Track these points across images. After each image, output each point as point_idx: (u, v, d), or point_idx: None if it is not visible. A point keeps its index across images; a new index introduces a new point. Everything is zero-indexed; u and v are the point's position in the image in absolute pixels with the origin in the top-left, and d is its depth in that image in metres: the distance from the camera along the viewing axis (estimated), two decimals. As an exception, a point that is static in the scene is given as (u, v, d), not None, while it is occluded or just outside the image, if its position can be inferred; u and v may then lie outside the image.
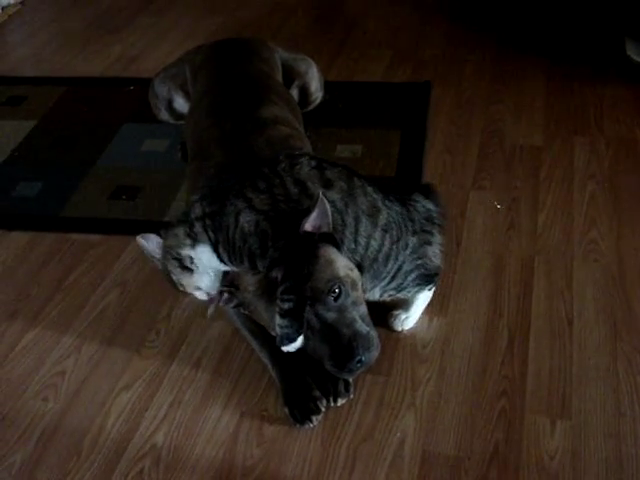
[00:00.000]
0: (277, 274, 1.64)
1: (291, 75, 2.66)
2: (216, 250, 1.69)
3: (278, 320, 1.65)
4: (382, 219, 1.73)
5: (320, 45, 3.35)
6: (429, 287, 1.90)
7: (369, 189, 1.75)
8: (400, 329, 1.98)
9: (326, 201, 1.62)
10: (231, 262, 1.71)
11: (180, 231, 1.71)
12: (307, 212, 1.61)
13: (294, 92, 2.67)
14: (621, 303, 2.00)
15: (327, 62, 3.18)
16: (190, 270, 1.72)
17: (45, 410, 1.88)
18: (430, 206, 1.88)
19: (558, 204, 2.34)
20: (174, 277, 1.74)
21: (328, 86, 2.82)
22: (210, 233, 1.68)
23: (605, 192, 2.37)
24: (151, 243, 1.76)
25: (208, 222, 1.68)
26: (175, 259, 1.72)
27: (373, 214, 1.72)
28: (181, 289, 1.76)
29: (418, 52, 3.25)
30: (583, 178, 2.44)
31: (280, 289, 1.63)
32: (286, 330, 1.65)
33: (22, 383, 1.95)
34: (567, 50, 3.11)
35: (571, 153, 2.55)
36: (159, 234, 1.76)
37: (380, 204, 1.74)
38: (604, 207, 2.31)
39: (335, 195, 1.69)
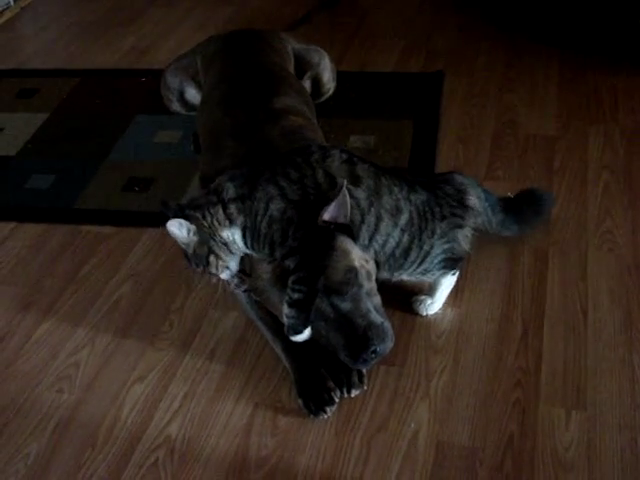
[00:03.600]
0: (291, 263, 1.64)
1: (303, 66, 2.66)
2: (244, 234, 1.71)
3: (285, 309, 1.66)
4: (403, 219, 1.74)
5: (332, 35, 3.34)
6: (453, 272, 1.90)
7: (395, 189, 1.75)
8: (425, 314, 1.98)
9: (347, 193, 1.62)
10: (253, 247, 1.72)
11: (219, 211, 1.71)
12: (327, 202, 1.61)
13: (306, 83, 2.66)
14: (636, 293, 1.99)
15: (339, 52, 3.17)
16: (229, 250, 1.74)
17: (60, 401, 1.88)
18: (465, 180, 1.88)
19: (572, 194, 2.33)
20: (211, 257, 1.74)
21: (340, 76, 2.81)
22: (242, 216, 1.69)
23: (620, 182, 2.35)
24: (182, 229, 1.73)
25: (240, 205, 1.69)
26: (220, 240, 1.72)
27: (395, 214, 1.72)
28: (212, 270, 1.76)
29: (430, 42, 3.24)
30: (597, 168, 2.42)
31: (292, 278, 1.64)
32: (292, 321, 1.66)
33: (37, 375, 1.96)
34: (580, 39, 3.08)
35: (585, 143, 2.54)
36: (185, 216, 1.73)
37: (403, 204, 1.74)
38: (618, 197, 2.30)
39: (361, 193, 1.70)
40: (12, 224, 2.47)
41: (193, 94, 2.66)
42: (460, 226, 1.83)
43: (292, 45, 2.66)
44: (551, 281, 2.05)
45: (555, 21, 3.16)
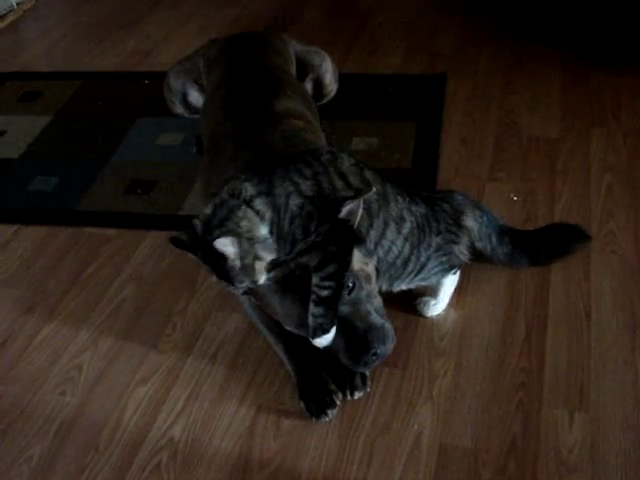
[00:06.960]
0: (312, 259, 1.61)
1: (305, 68, 2.65)
2: (271, 230, 1.62)
3: (312, 309, 1.62)
4: (406, 228, 1.74)
5: (334, 37, 3.34)
6: (453, 272, 1.90)
7: (399, 198, 1.75)
8: (429, 315, 1.98)
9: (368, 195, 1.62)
10: (277, 244, 1.64)
11: (247, 212, 1.60)
12: (347, 199, 1.60)
13: (308, 85, 2.66)
14: (639, 295, 1.99)
15: (342, 54, 3.17)
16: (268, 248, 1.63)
17: (63, 404, 1.89)
18: (464, 200, 1.88)
19: (575, 196, 2.32)
20: (257, 263, 1.62)
21: (343, 78, 2.81)
22: (270, 211, 1.61)
23: (622, 183, 2.35)
24: (231, 247, 1.60)
25: (265, 199, 1.61)
26: (260, 240, 1.62)
27: (399, 222, 1.73)
28: (258, 277, 1.63)
29: (433, 44, 3.24)
30: (600, 169, 2.42)
31: (319, 275, 1.60)
32: (320, 320, 1.62)
33: (40, 377, 1.96)
34: (583, 40, 3.08)
35: (588, 144, 2.53)
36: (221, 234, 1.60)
37: (406, 213, 1.75)
38: (621, 198, 2.29)
39: (372, 196, 1.69)
40: (15, 226, 2.48)
41: (196, 97, 2.66)
42: (456, 242, 1.84)
43: (294, 47, 2.66)
44: (554, 282, 2.05)
45: (558, 23, 3.15)
